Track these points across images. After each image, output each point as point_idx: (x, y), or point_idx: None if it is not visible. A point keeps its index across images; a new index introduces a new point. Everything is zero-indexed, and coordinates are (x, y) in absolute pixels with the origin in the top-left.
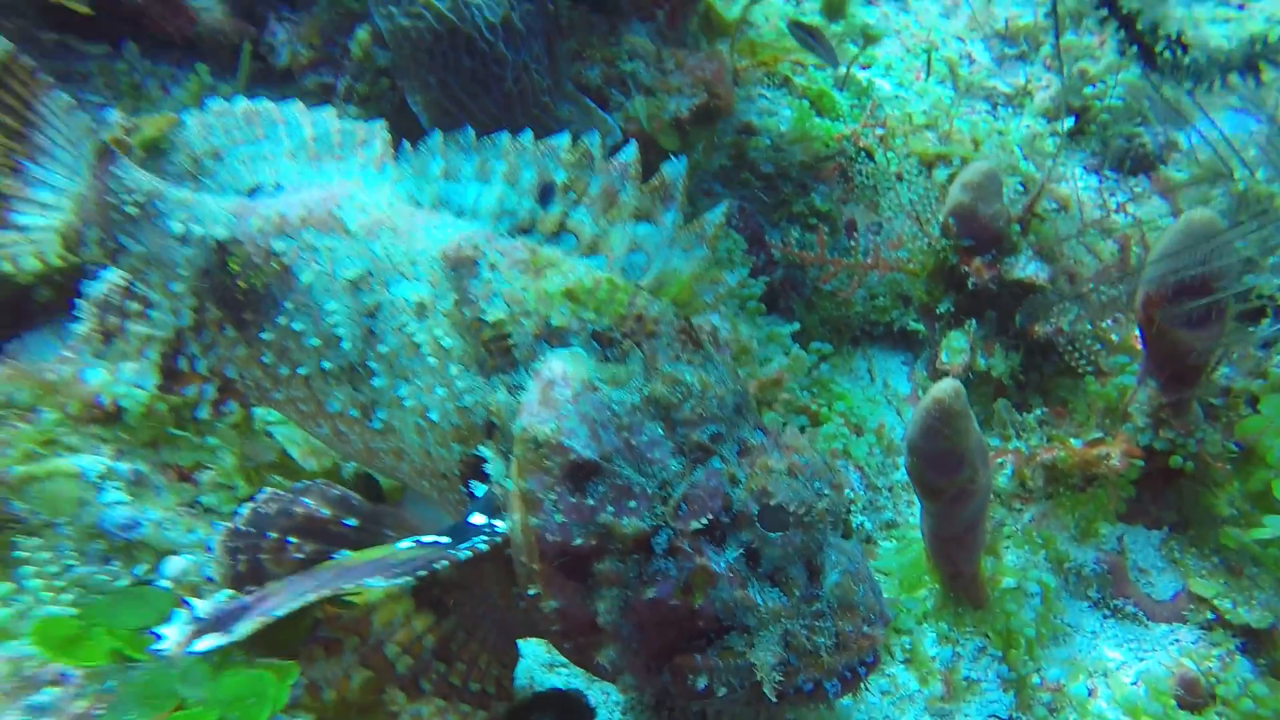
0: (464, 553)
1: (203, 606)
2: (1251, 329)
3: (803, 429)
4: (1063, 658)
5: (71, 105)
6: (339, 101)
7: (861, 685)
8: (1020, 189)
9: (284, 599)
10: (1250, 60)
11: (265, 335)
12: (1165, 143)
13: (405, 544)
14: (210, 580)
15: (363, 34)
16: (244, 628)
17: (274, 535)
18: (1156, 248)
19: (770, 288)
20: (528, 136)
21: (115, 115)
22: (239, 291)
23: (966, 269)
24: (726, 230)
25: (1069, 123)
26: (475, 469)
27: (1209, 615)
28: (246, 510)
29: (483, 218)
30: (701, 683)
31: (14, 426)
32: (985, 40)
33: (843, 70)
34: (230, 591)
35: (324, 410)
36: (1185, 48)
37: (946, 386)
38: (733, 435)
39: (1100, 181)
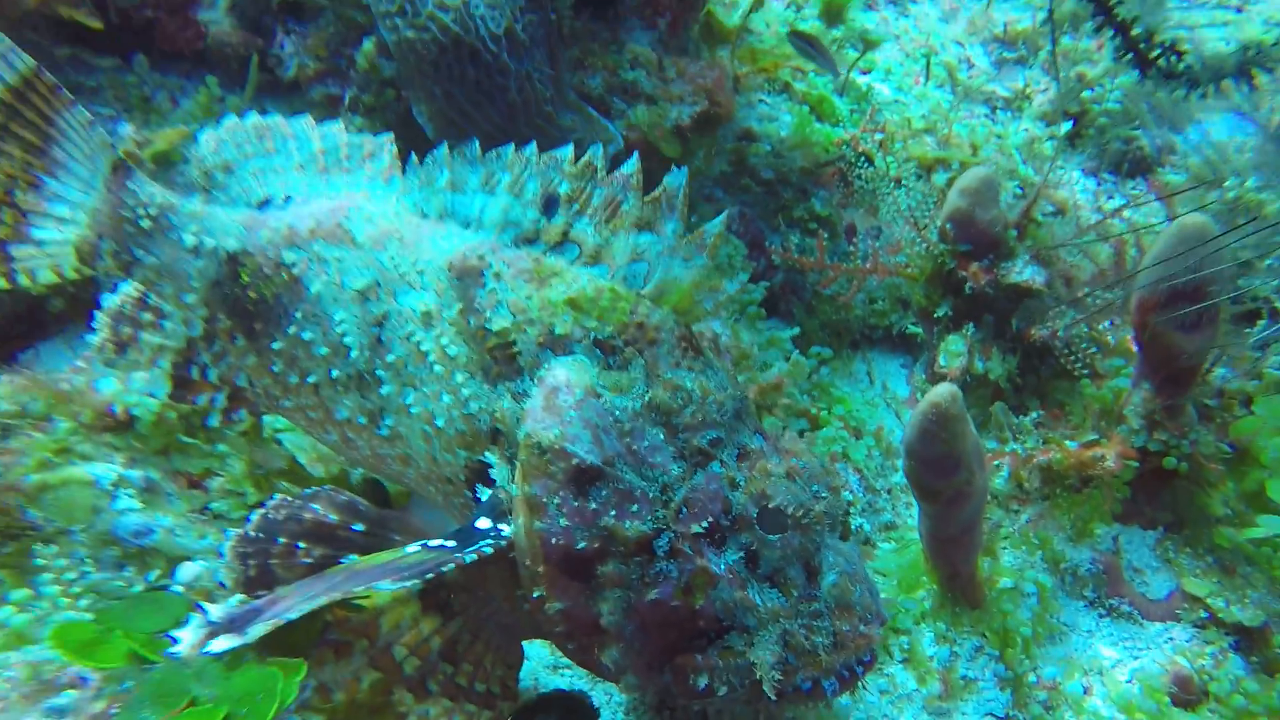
0: (470, 556)
1: (216, 611)
2: (1247, 330)
3: (802, 433)
4: (1059, 656)
5: (90, 121)
6: (345, 112)
7: (859, 684)
8: (1019, 192)
9: (295, 602)
10: (1243, 66)
11: (275, 344)
12: (1162, 145)
13: (413, 548)
14: (222, 585)
15: (368, 46)
16: (257, 629)
17: (283, 540)
18: (1150, 253)
19: (771, 292)
20: (531, 149)
21: (127, 129)
22: (249, 302)
23: (964, 274)
24: (727, 236)
25: (1066, 126)
26: (481, 474)
27: (1203, 614)
28: (257, 516)
29: (488, 228)
30: (702, 682)
31: (29, 435)
32: (984, 45)
33: (842, 75)
34: (242, 596)
35: (333, 417)
36: (1180, 54)
37: (943, 391)
38: (732, 440)
39: (1098, 184)
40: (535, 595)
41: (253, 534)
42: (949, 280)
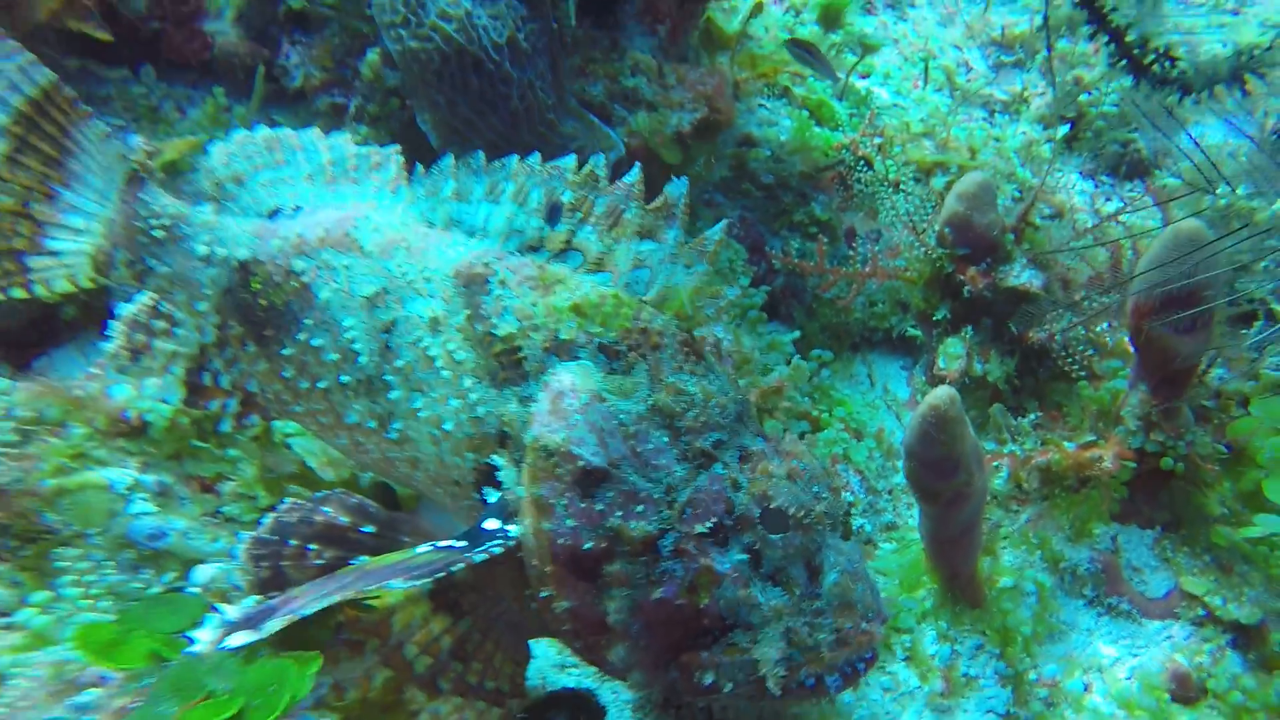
0: (479, 556)
1: (232, 611)
2: (1244, 331)
3: (803, 435)
4: (1059, 654)
5: (106, 133)
6: (350, 121)
7: (861, 680)
8: (1018, 195)
9: (310, 599)
10: (1236, 72)
11: (286, 351)
12: (1158, 149)
13: (423, 548)
14: (237, 588)
15: (373, 56)
16: (272, 624)
17: (295, 542)
18: (1144, 258)
19: (771, 296)
20: (535, 158)
21: (138, 140)
22: (260, 309)
23: (962, 277)
24: (728, 241)
25: (1063, 130)
26: (488, 477)
27: (1200, 612)
28: (269, 519)
29: (493, 237)
30: (708, 678)
31: (45, 441)
32: (982, 48)
33: (841, 80)
34: (257, 597)
35: (342, 422)
36: (1173, 60)
37: (942, 394)
38: (734, 442)
39: (1096, 186)
40: (543, 594)
41: (265, 536)
42: (947, 284)
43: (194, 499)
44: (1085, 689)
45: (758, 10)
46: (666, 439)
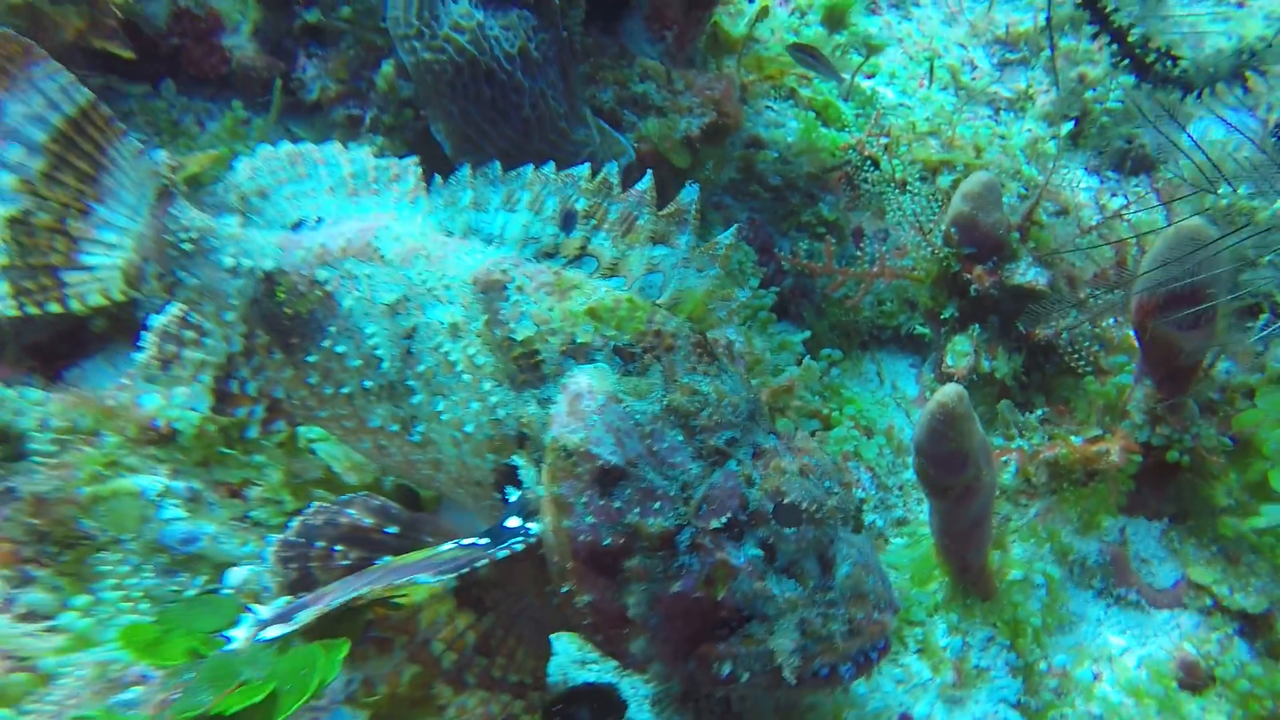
0: (502, 553)
1: (265, 611)
2: (1249, 324)
3: (813, 433)
4: (1069, 645)
5: (139, 150)
6: (366, 132)
7: (874, 669)
8: (1024, 192)
9: (339, 594)
10: (1237, 70)
11: (311, 358)
12: (1162, 145)
13: (447, 546)
14: (267, 589)
15: (388, 68)
16: (305, 615)
17: (322, 544)
18: (1147, 256)
19: (781, 296)
20: (549, 168)
21: (163, 156)
22: (286, 318)
23: (969, 276)
24: (738, 244)
25: (1068, 126)
26: (509, 477)
27: (1208, 601)
28: (296, 522)
29: (510, 244)
30: (726, 669)
31: (79, 450)
32: (986, 47)
33: (847, 79)
34: (287, 598)
35: (366, 426)
36: (1175, 60)
37: (950, 391)
38: (747, 440)
39: (1101, 183)
40: (564, 590)
41: (293, 539)
42: (954, 282)
43: (222, 504)
44: (1095, 678)
45: (763, 14)
46: (681, 437)
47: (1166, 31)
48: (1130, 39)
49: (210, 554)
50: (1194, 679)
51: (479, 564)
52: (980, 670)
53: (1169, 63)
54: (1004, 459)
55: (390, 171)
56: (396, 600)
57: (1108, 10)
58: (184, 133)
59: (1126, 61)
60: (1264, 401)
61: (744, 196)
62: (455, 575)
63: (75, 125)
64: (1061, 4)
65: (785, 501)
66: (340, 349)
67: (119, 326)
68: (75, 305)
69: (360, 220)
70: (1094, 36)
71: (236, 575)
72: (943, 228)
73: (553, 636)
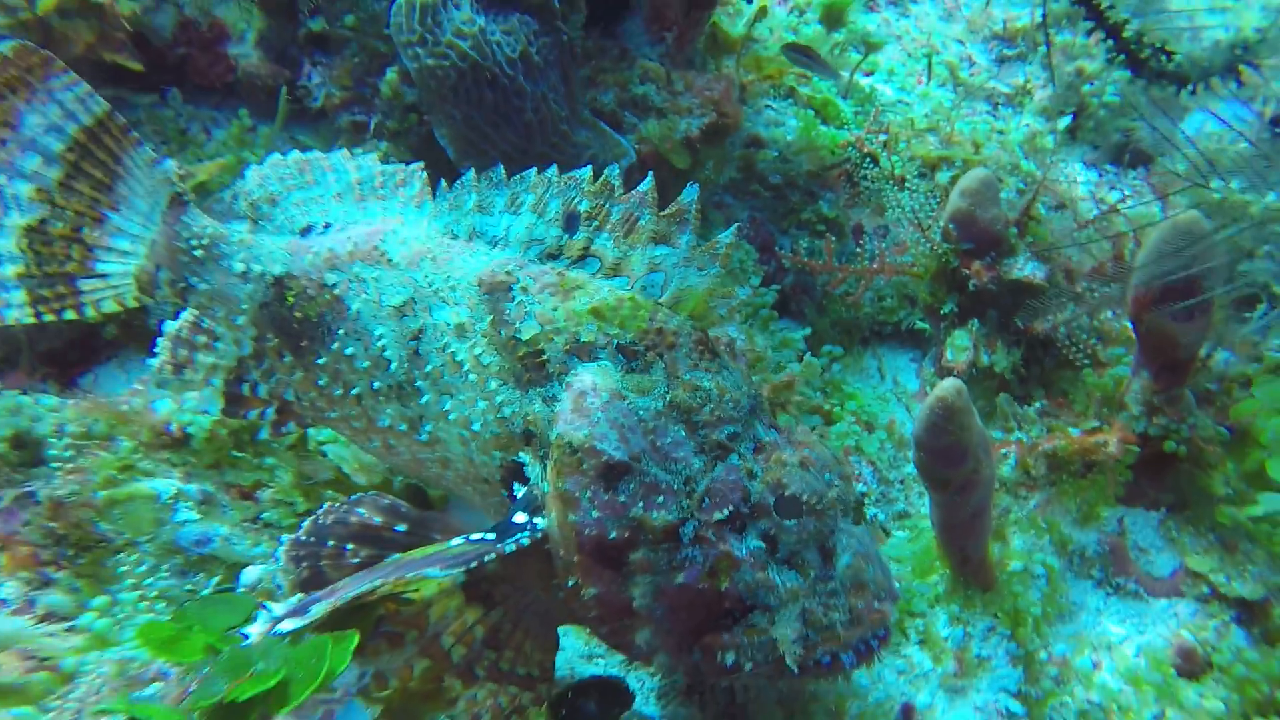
0: (509, 547)
1: (279, 608)
2: (1247, 315)
3: (814, 428)
4: (1068, 634)
5: (153, 159)
6: (370, 138)
7: (875, 657)
8: (1023, 187)
9: (352, 587)
10: (1231, 64)
11: (320, 360)
12: (1157, 143)
13: (456, 541)
14: (280, 588)
15: (391, 75)
16: (318, 609)
17: (333, 543)
18: (1144, 249)
19: (782, 293)
20: (552, 171)
21: (172, 164)
22: (295, 321)
23: (967, 271)
24: (739, 242)
25: (1066, 120)
26: (515, 473)
27: (1205, 589)
28: (308, 522)
29: (514, 246)
30: (730, 658)
31: (95, 455)
32: (984, 43)
33: (845, 77)
34: (300, 596)
35: (375, 426)
36: (1169, 55)
37: (949, 385)
38: (748, 434)
39: (1100, 176)
40: (570, 583)
41: (304, 538)
42: (953, 278)
43: (235, 506)
44: (1094, 666)
45: (762, 13)
46: (684, 433)
47: (1164, 24)
48: (1125, 34)
49: (223, 555)
50: (1192, 666)
51: (487, 558)
52: (981, 660)
53: (1163, 57)
54: (1003, 451)
55: (396, 177)
56: (407, 596)
57: (1102, 6)
58: (191, 141)
59: (1122, 57)
60: (1261, 391)
61: (744, 195)
62: (464, 570)
63: (91, 135)
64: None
65: (786, 494)
66: (349, 351)
67: (130, 333)
68: (90, 312)
69: (367, 225)
70: (1089, 32)
71: (251, 574)
72: (941, 224)
73: (560, 630)
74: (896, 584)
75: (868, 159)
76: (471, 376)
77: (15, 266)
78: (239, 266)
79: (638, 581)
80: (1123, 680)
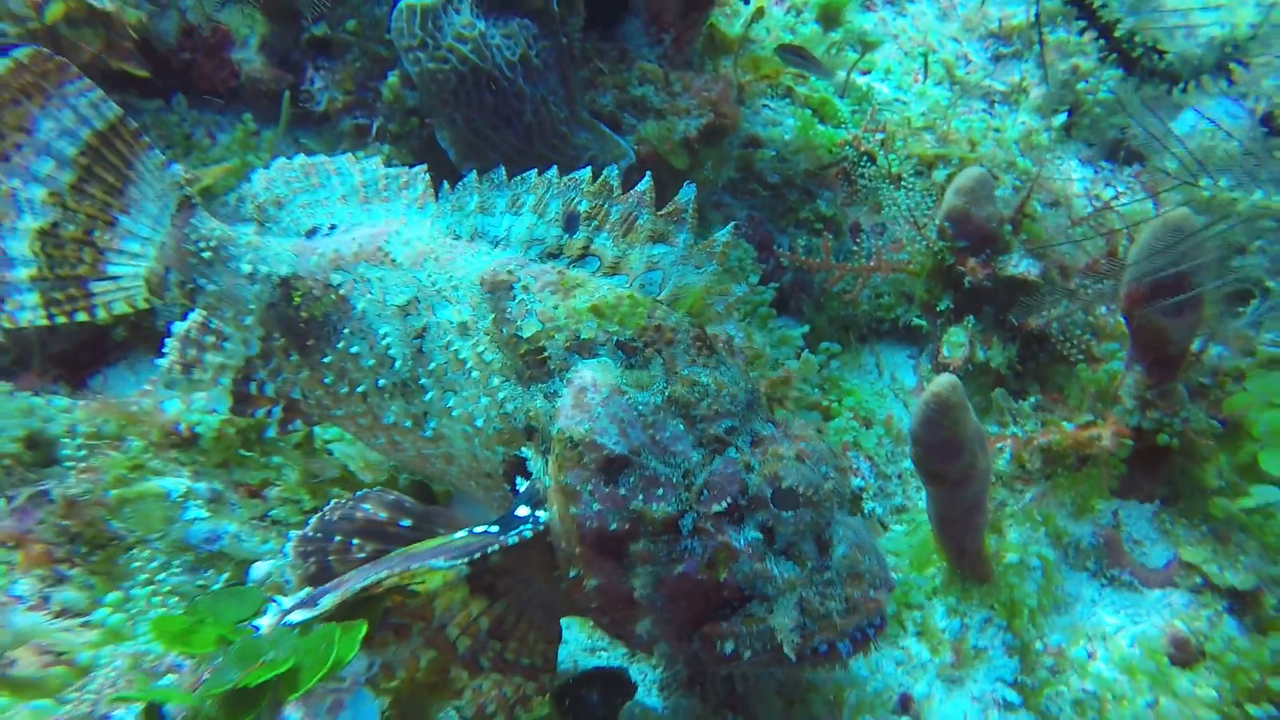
0: (512, 538)
1: (288, 602)
2: (1241, 309)
3: (813, 425)
4: (1064, 625)
5: (163, 163)
6: (373, 141)
7: (872, 645)
8: (1019, 184)
9: (359, 580)
10: (1221, 62)
11: (326, 358)
12: (1148, 141)
13: (460, 534)
14: (289, 583)
15: (393, 79)
16: (327, 600)
17: (339, 538)
18: (1135, 246)
19: (781, 291)
20: (552, 172)
21: (179, 169)
22: (302, 321)
23: (962, 269)
24: (737, 240)
25: (1061, 118)
26: (518, 468)
27: (1198, 580)
28: (315, 518)
29: (515, 246)
30: (729, 647)
31: (106, 455)
32: (980, 41)
33: (842, 76)
34: (308, 590)
35: (380, 423)
36: (1160, 53)
37: (944, 381)
38: (746, 428)
39: (1095, 173)
40: (572, 575)
41: (311, 534)
42: (949, 275)
43: (243, 504)
44: (1089, 656)
45: (759, 14)
46: (682, 427)
47: (1159, 21)
48: (1117, 34)
49: (232, 552)
50: (1185, 654)
51: (490, 549)
52: (978, 651)
53: (1155, 56)
54: (999, 446)
55: (400, 179)
56: (413, 589)
57: (1094, 5)
58: (196, 145)
59: (1114, 56)
60: (1254, 385)
61: (743, 195)
62: (468, 561)
63: (104, 139)
64: None
65: (783, 486)
66: (355, 349)
67: (139, 334)
68: (102, 314)
69: (372, 226)
70: (1081, 32)
71: (260, 569)
72: (937, 222)
73: (563, 624)
74: (893, 575)
75: (865, 157)
76: (474, 373)
77: (29, 269)
78: (246, 268)
79: (638, 572)
80: (1117, 669)
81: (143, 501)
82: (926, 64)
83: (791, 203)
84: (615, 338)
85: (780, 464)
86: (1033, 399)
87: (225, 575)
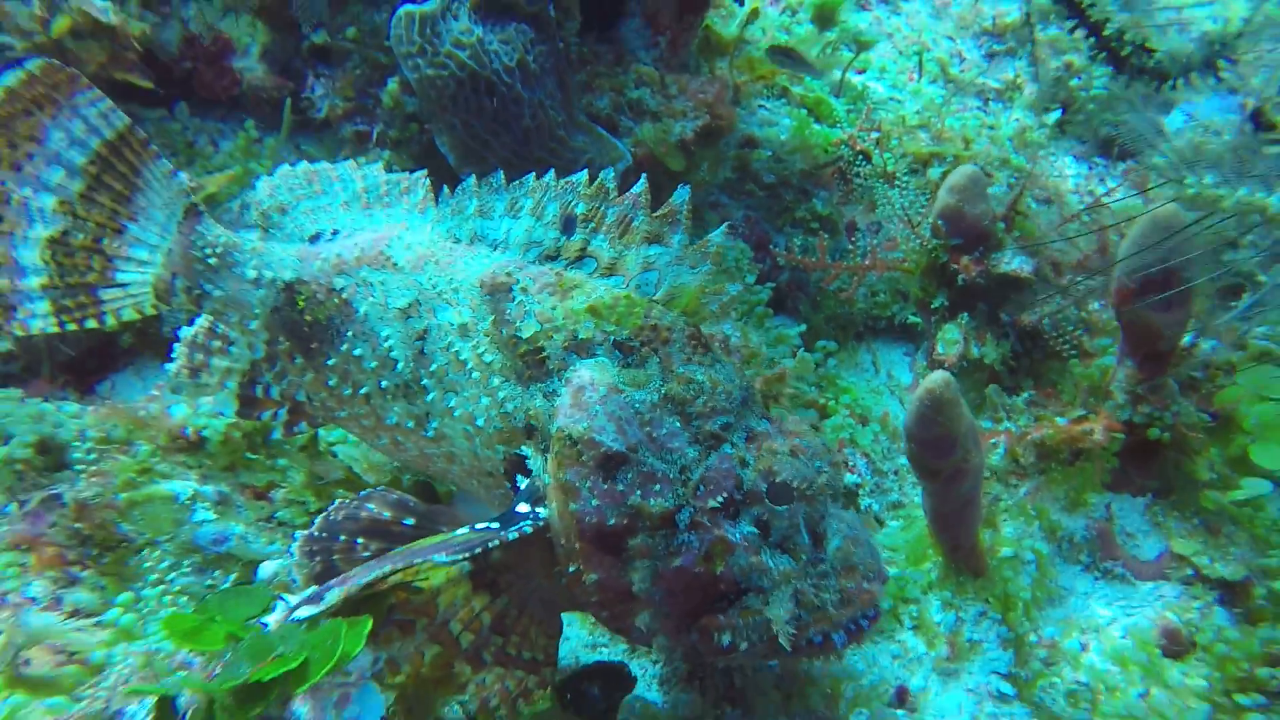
0: (513, 534)
1: (295, 600)
2: (1233, 304)
3: (809, 423)
4: (1058, 617)
5: (170, 171)
6: (373, 147)
7: (866, 636)
8: (1013, 181)
9: (364, 575)
10: (1209, 60)
11: (330, 361)
12: (1137, 140)
13: (462, 531)
14: (295, 581)
15: (393, 85)
16: (332, 595)
17: (344, 538)
18: (1125, 242)
19: (778, 290)
20: (550, 176)
21: (184, 177)
22: (306, 325)
23: (956, 266)
24: (734, 240)
25: (1055, 115)
26: (518, 466)
27: (1189, 572)
28: (320, 518)
29: (514, 248)
30: (726, 639)
31: (115, 459)
32: (974, 39)
33: (837, 76)
34: (315, 588)
35: (383, 423)
36: (1150, 52)
37: (937, 378)
38: (741, 424)
39: (1090, 169)
40: (572, 570)
41: (317, 534)
42: (943, 273)
43: (249, 506)
44: (1082, 648)
45: (754, 16)
46: (679, 424)
47: (1152, 16)
48: (1106, 32)
49: (240, 553)
50: (1176, 645)
51: (491, 544)
52: (973, 643)
53: (1143, 55)
54: (993, 441)
55: (401, 185)
56: (416, 585)
57: (1083, 4)
58: (199, 153)
59: (1103, 54)
60: (1244, 378)
61: (740, 195)
62: (470, 557)
63: (113, 148)
64: None
65: (777, 481)
66: (358, 352)
67: (145, 341)
68: (111, 320)
69: (374, 231)
70: (1071, 31)
71: (267, 569)
72: (931, 220)
73: (564, 620)
74: (887, 568)
75: (860, 156)
76: (475, 374)
77: (40, 278)
78: (251, 273)
79: (637, 566)
80: (1110, 661)
81: (151, 504)
82: (921, 62)
83: (788, 202)
84: (612, 337)
85: (775, 459)
86: (1026, 394)
87: (233, 576)
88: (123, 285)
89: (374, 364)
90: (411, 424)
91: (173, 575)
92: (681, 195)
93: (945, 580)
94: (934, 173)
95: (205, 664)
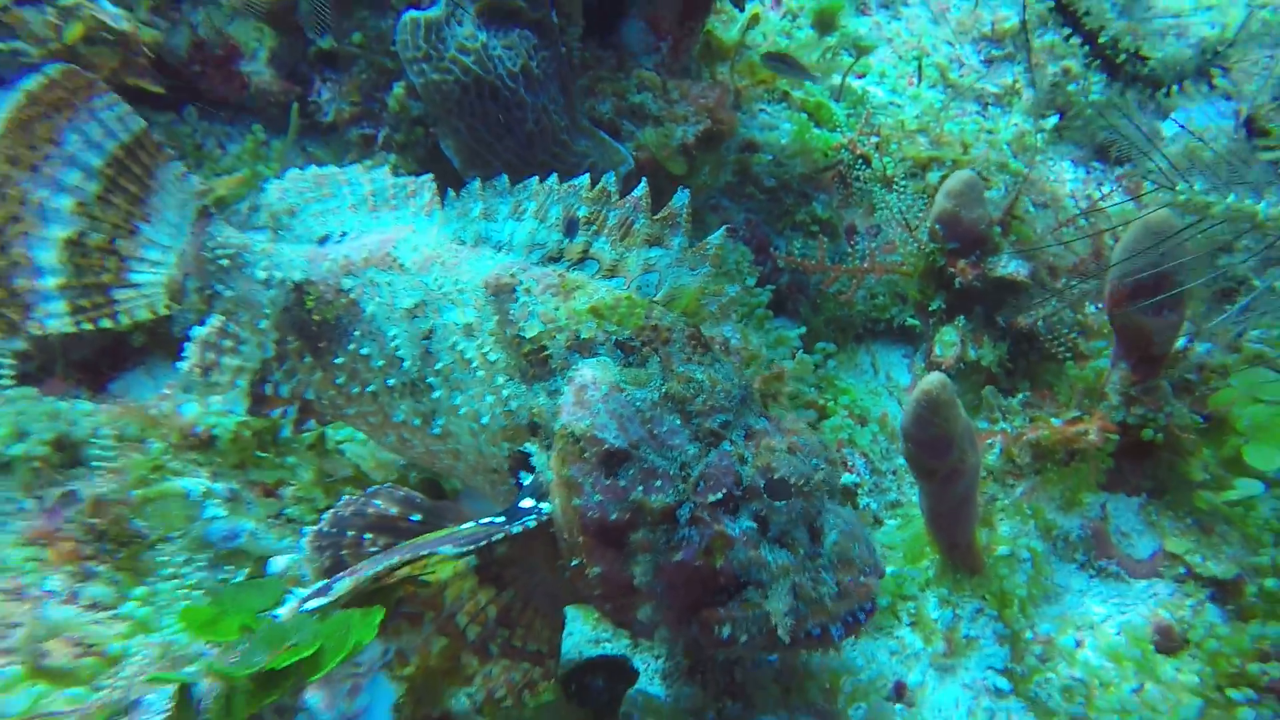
0: (517, 528)
1: (305, 593)
2: (1228, 307)
3: (809, 423)
4: (1053, 614)
5: (183, 174)
6: (379, 150)
7: (862, 629)
8: (1012, 185)
9: (371, 567)
10: (1202, 67)
11: (338, 360)
12: (1148, 134)
13: (468, 525)
14: (304, 576)
15: (398, 90)
16: (341, 586)
17: (352, 533)
18: (1118, 247)
19: (778, 292)
20: (553, 179)
21: (194, 180)
22: (315, 324)
23: (953, 270)
24: (735, 243)
25: (1053, 120)
26: (522, 463)
27: (1182, 570)
28: (329, 514)
29: (518, 250)
30: (725, 631)
31: (128, 456)
32: (974, 44)
33: (837, 80)
34: (324, 581)
35: (390, 421)
36: (1143, 60)
37: (934, 379)
38: (740, 422)
39: (1088, 173)
40: (575, 564)
41: (326, 530)
42: (940, 276)
43: (259, 503)
44: (1077, 645)
45: (754, 21)
46: (679, 421)
47: (1149, 22)
48: (1101, 40)
49: (250, 549)
50: (1169, 642)
51: (496, 538)
52: (970, 640)
53: (1138, 63)
54: (989, 442)
55: (407, 188)
56: (424, 579)
57: (1079, 14)
58: (207, 156)
59: (1097, 62)
60: (1238, 380)
61: (740, 198)
62: (475, 550)
63: (128, 151)
64: (1038, 1)
65: (775, 477)
66: (365, 351)
67: (156, 340)
68: (124, 320)
69: (381, 233)
70: (1066, 39)
71: (278, 564)
72: (928, 224)
73: (568, 616)
74: (884, 563)
75: (860, 160)
76: (480, 373)
77: (57, 278)
78: (262, 274)
79: (638, 560)
80: (1104, 657)
81: (164, 501)
82: (920, 67)
83: (788, 206)
84: (614, 337)
85: (773, 456)
86: (1022, 396)
87: (244, 571)
88: (136, 285)
89: (381, 363)
90: (418, 421)
91: (186, 570)
92: (681, 199)
93: (942, 578)
94: (933, 177)
95: (221, 654)
